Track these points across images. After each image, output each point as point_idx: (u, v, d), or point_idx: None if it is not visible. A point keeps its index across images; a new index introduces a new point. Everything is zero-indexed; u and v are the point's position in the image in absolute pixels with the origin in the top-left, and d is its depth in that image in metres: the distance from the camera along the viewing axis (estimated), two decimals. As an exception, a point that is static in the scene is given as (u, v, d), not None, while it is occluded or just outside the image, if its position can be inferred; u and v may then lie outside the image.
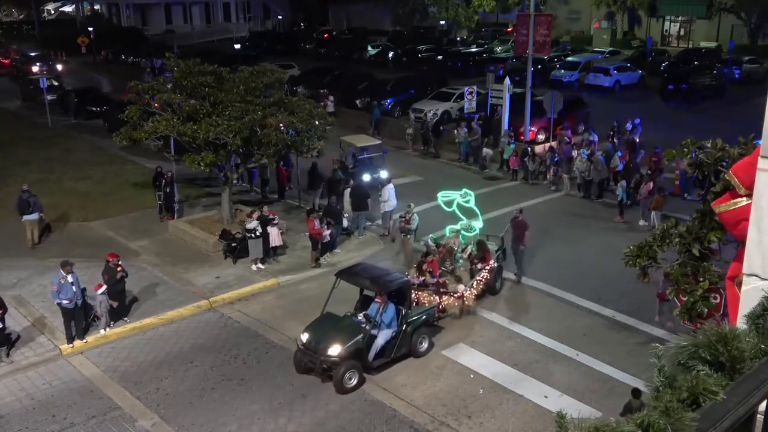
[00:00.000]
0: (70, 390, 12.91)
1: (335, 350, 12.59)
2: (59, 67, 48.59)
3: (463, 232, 17.30)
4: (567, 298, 16.45)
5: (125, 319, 15.26)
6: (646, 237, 9.28)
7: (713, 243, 8.19)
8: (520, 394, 12.71)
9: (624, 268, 9.50)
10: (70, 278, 13.85)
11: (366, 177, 22.25)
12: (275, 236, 18.06)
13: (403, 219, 18.26)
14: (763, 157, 4.66)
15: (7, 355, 13.75)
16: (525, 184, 25.18)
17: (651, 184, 20.52)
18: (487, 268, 16.05)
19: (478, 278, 15.81)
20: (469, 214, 17.43)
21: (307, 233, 18.31)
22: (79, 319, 14.26)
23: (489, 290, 16.30)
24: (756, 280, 4.66)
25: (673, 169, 22.69)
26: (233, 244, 18.20)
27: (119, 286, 14.95)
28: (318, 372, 12.95)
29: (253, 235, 17.41)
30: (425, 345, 13.99)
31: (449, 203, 17.48)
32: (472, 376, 13.36)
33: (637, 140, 27.01)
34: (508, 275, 17.31)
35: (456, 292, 15.22)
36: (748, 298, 4.44)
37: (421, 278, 15.51)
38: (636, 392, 11.44)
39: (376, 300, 13.55)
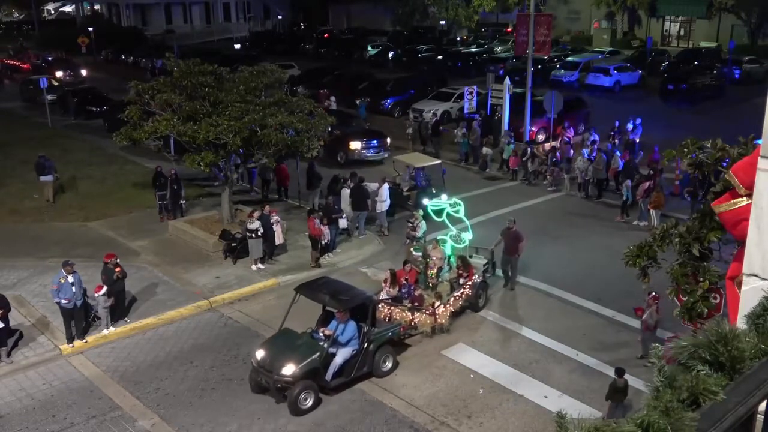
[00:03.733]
0: (70, 390, 12.91)
1: (289, 369, 11.98)
2: (83, 72, 46.95)
3: (452, 243, 16.65)
4: (567, 298, 16.45)
5: (125, 319, 15.27)
6: (646, 237, 9.26)
7: (713, 243, 8.18)
8: (520, 394, 12.71)
9: (624, 268, 9.48)
10: (70, 278, 13.86)
11: (425, 200, 20.62)
12: (279, 234, 18.13)
13: (410, 225, 18.01)
14: (763, 157, 4.66)
15: (8, 355, 13.75)
16: (525, 184, 25.18)
17: (647, 184, 20.54)
18: (469, 284, 15.41)
19: (456, 294, 15.10)
20: (459, 224, 16.91)
21: (307, 233, 18.32)
22: (78, 319, 14.27)
23: (471, 307, 15.62)
24: (756, 280, 4.66)
25: (673, 169, 22.70)
26: (233, 244, 18.21)
27: (118, 285, 14.96)
28: (272, 392, 12.37)
29: (254, 235, 17.41)
30: (389, 364, 13.31)
31: (439, 213, 16.98)
32: (472, 376, 13.36)
33: (637, 140, 27.05)
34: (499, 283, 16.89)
35: (428, 309, 14.48)
36: (748, 298, 4.44)
37: (390, 288, 14.93)
38: (619, 371, 11.45)
39: (337, 316, 12.93)
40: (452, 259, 16.43)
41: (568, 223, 21.33)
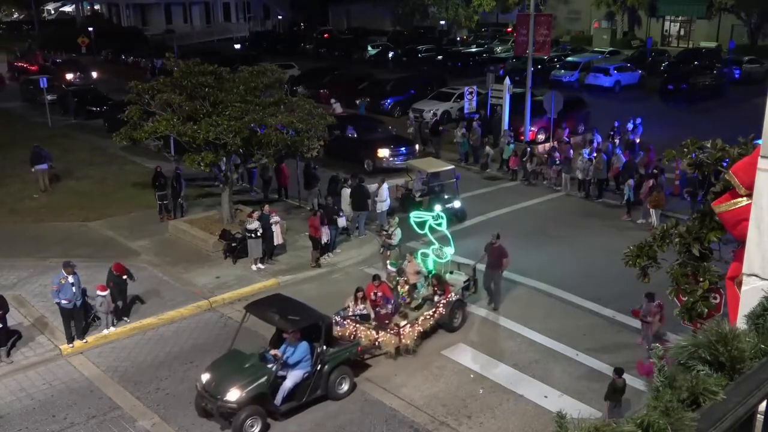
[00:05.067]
0: (70, 390, 12.92)
1: (233, 395, 11.30)
2: (94, 74, 46.36)
3: (434, 257, 15.87)
4: (567, 298, 16.45)
5: (125, 319, 15.27)
6: (646, 237, 9.26)
7: (713, 243, 8.18)
8: (520, 394, 12.71)
9: (624, 268, 9.47)
10: (71, 279, 13.86)
11: (437, 207, 20.00)
12: (278, 234, 18.12)
13: (385, 233, 17.37)
14: (763, 157, 4.66)
15: (8, 355, 13.76)
16: (525, 184, 25.19)
17: (651, 182, 20.54)
18: (443, 302, 14.62)
19: (427, 313, 14.31)
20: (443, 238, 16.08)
21: (308, 233, 18.32)
22: (78, 319, 14.28)
23: (445, 326, 14.74)
24: (756, 280, 4.66)
25: (673, 169, 22.70)
26: (233, 244, 18.21)
27: (121, 285, 14.97)
28: (216, 418, 11.67)
29: (253, 235, 17.41)
30: (345, 386, 12.59)
31: (421, 225, 16.18)
32: (472, 376, 13.37)
33: (637, 141, 27.06)
34: (481, 305, 16.04)
35: (392, 329, 13.63)
36: (748, 298, 4.43)
37: (361, 306, 14.05)
38: (618, 371, 11.45)
39: (285, 337, 12.28)
40: (433, 273, 15.64)
41: (568, 223, 21.32)
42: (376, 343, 13.65)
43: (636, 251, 9.08)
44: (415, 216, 16.52)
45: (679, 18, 61.64)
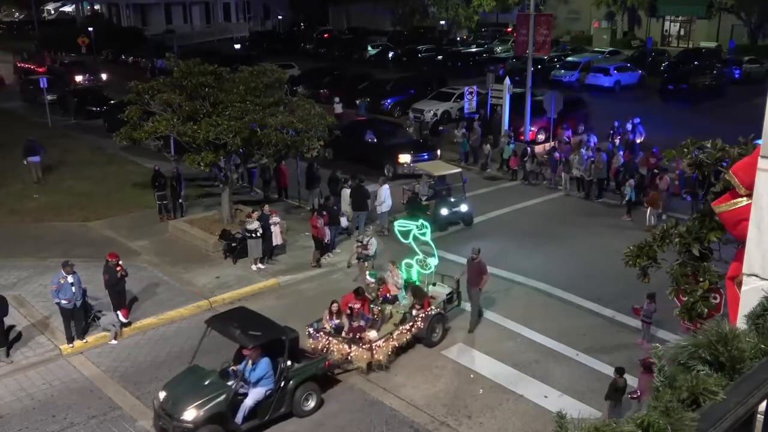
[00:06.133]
0: (70, 390, 12.92)
1: (190, 414, 10.83)
2: (104, 76, 45.81)
3: (418, 268, 15.37)
4: (567, 298, 16.44)
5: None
6: (646, 237, 9.27)
7: (713, 243, 8.18)
8: (520, 394, 12.71)
9: (624, 268, 9.48)
10: (70, 279, 13.86)
11: (444, 210, 19.31)
12: (277, 234, 18.11)
13: (360, 244, 16.75)
14: (763, 157, 4.66)
15: (7, 355, 13.76)
16: (525, 184, 25.19)
17: (667, 178, 20.50)
18: (422, 316, 14.04)
19: (403, 327, 13.75)
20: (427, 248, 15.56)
21: (309, 233, 18.32)
22: (78, 319, 14.28)
23: (424, 341, 14.19)
24: (756, 280, 4.66)
25: (674, 169, 22.68)
26: (233, 244, 18.21)
27: (119, 286, 14.97)
28: None
29: (253, 235, 17.41)
30: (311, 403, 12.15)
31: (405, 234, 15.49)
32: (472, 376, 13.37)
33: (638, 141, 27.04)
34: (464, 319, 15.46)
35: (365, 343, 13.12)
36: (748, 298, 4.44)
37: (336, 321, 13.63)
38: (619, 370, 11.46)
39: (245, 353, 11.82)
40: (417, 284, 15.20)
41: (568, 223, 21.32)
42: (348, 358, 13.17)
43: (636, 251, 9.09)
44: (399, 225, 15.89)
45: (679, 18, 61.62)
